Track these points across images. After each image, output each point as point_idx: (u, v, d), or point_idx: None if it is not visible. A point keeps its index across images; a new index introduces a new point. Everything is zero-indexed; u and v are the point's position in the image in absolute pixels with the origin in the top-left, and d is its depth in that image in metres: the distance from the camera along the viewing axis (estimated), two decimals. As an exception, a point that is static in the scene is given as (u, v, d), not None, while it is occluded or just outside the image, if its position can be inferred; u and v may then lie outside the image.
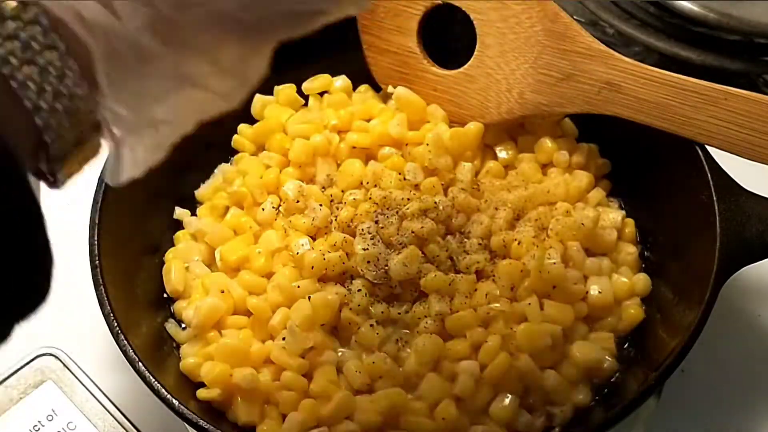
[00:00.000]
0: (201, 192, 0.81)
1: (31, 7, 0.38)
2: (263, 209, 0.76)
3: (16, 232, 0.39)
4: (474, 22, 0.77)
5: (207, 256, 0.76)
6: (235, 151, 0.82)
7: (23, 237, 0.40)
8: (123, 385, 0.76)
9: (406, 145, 0.77)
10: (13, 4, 0.37)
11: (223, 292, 0.70)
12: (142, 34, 0.40)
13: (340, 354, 0.69)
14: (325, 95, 0.84)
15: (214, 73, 0.44)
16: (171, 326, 0.73)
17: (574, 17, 0.75)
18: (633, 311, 0.72)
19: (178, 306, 0.74)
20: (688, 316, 0.65)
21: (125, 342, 0.64)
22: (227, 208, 0.78)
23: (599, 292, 0.71)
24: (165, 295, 0.75)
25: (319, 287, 0.70)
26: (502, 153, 0.79)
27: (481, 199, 0.75)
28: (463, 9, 0.77)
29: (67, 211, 0.87)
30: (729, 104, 0.67)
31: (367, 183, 0.75)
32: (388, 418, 0.65)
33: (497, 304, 0.68)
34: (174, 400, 0.62)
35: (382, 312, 0.69)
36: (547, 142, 0.78)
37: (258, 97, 0.83)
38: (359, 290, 0.69)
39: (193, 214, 0.80)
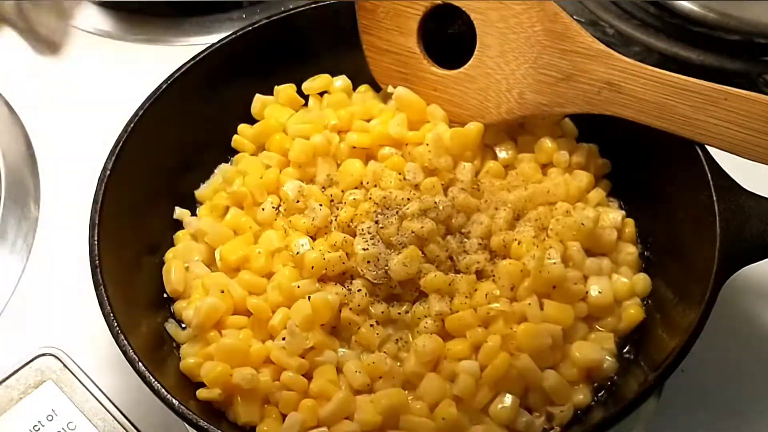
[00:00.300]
0: (201, 192, 0.81)
1: None
2: (263, 209, 0.76)
3: None
4: (474, 22, 0.77)
5: (207, 256, 0.76)
6: (235, 151, 0.83)
7: None
8: (123, 385, 0.76)
9: (406, 145, 0.77)
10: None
11: (223, 292, 0.70)
12: None
13: (340, 354, 0.69)
14: (325, 95, 0.84)
15: None
16: (171, 326, 0.73)
17: (574, 17, 0.75)
18: (633, 311, 0.72)
19: (178, 306, 0.74)
20: (688, 316, 0.65)
21: (125, 342, 0.64)
22: (227, 208, 0.78)
23: (599, 292, 0.71)
24: (165, 295, 0.75)
25: (319, 287, 0.70)
26: (502, 153, 0.79)
27: (481, 199, 0.75)
28: (463, 9, 0.77)
29: (67, 211, 0.88)
30: (729, 104, 0.67)
31: (367, 183, 0.75)
32: (388, 418, 0.65)
33: (497, 304, 0.68)
34: (174, 400, 0.62)
35: (382, 312, 0.70)
36: (547, 142, 0.78)
37: (258, 97, 0.83)
38: (359, 290, 0.69)
39: (193, 214, 0.80)
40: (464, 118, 0.79)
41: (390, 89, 0.81)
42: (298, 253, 0.71)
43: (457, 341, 0.68)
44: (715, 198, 0.68)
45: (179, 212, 0.79)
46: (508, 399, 0.66)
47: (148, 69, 0.83)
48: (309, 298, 0.68)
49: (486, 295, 0.69)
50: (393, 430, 0.65)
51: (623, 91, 0.71)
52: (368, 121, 0.80)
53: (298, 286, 0.69)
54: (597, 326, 0.72)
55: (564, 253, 0.71)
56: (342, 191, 0.76)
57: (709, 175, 0.69)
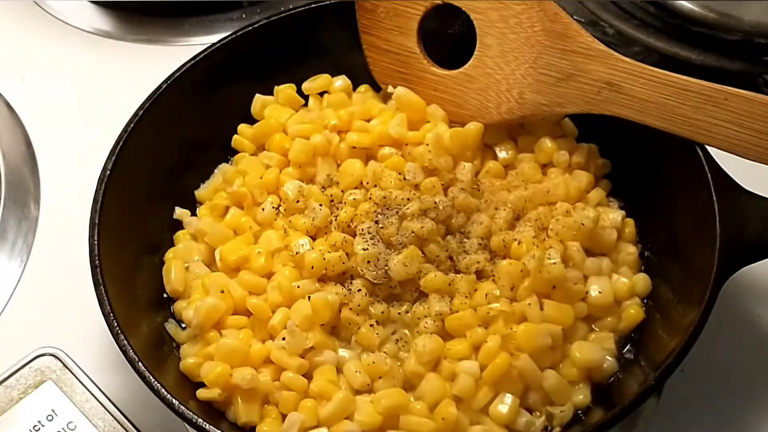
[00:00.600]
0: (201, 192, 0.81)
1: None
2: (263, 209, 0.76)
3: None
4: (474, 22, 0.77)
5: (207, 256, 0.76)
6: (235, 151, 0.83)
7: None
8: (123, 385, 0.76)
9: (406, 145, 0.77)
10: None
11: (223, 292, 0.70)
12: None
13: (340, 354, 0.69)
14: (325, 95, 0.84)
15: None
16: (171, 326, 0.73)
17: (574, 17, 0.75)
18: (633, 311, 0.72)
19: (178, 306, 0.74)
20: (688, 316, 0.65)
21: (125, 342, 0.64)
22: (227, 208, 0.78)
23: (599, 292, 0.71)
24: (165, 295, 0.75)
25: (319, 287, 0.70)
26: (502, 153, 0.79)
27: (481, 199, 0.75)
28: (463, 9, 0.77)
29: (67, 211, 0.88)
30: (729, 104, 0.67)
31: (367, 183, 0.75)
32: (388, 418, 0.65)
33: (497, 304, 0.68)
34: (174, 400, 0.62)
35: (382, 312, 0.70)
36: (547, 142, 0.78)
37: (258, 97, 0.83)
38: (359, 290, 0.69)
39: (193, 214, 0.80)
40: (464, 118, 0.79)
41: (390, 89, 0.81)
42: (298, 253, 0.71)
43: (457, 341, 0.68)
44: (715, 198, 0.68)
45: (179, 212, 0.79)
46: (508, 399, 0.66)
47: (148, 69, 0.83)
48: (309, 298, 0.68)
49: (486, 295, 0.69)
50: (393, 430, 0.65)
51: (623, 91, 0.71)
52: (368, 121, 0.80)
53: (298, 286, 0.69)
54: (597, 326, 0.72)
55: (564, 253, 0.71)
56: (342, 191, 0.76)
57: (709, 175, 0.69)
